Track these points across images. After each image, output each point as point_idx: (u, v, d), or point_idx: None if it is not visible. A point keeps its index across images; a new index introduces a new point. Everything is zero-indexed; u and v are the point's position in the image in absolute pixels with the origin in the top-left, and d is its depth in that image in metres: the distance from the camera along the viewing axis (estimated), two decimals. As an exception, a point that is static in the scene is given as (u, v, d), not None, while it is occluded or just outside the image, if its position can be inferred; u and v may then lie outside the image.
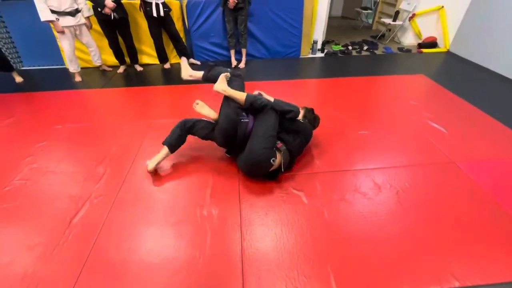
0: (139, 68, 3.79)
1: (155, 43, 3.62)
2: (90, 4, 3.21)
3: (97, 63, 3.67)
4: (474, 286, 1.21)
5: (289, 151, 1.73)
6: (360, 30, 5.83)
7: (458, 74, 3.47)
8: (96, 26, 3.42)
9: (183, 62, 1.95)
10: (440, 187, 1.73)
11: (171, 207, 1.63)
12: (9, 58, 3.57)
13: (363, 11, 5.91)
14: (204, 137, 1.86)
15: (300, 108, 1.92)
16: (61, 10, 3.00)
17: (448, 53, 4.25)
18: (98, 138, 2.30)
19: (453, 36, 4.24)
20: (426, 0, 4.29)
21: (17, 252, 1.38)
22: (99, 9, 3.12)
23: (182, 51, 3.81)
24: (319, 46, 4.33)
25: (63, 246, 1.41)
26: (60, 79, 3.55)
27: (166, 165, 1.95)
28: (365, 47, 4.53)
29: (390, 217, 1.54)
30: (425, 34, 4.54)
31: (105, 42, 3.55)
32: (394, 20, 4.67)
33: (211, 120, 1.84)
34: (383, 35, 5.07)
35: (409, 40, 4.70)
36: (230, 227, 1.49)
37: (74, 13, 3.10)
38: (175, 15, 3.67)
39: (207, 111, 1.83)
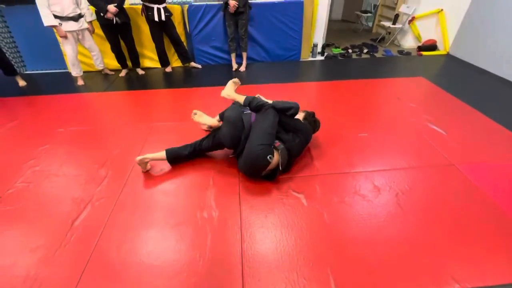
0: (140, 72, 3.83)
1: (156, 47, 3.66)
2: (92, 9, 3.26)
3: (99, 67, 3.71)
4: (473, 288, 1.21)
5: (288, 150, 1.74)
6: (360, 33, 5.86)
7: (458, 77, 3.48)
8: (99, 30, 3.47)
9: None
10: (440, 190, 1.73)
11: (172, 209, 1.64)
12: (12, 62, 3.61)
13: (363, 14, 5.94)
14: (212, 145, 1.91)
15: (300, 110, 1.94)
16: (64, 15, 3.04)
17: (448, 55, 4.26)
18: (100, 141, 2.32)
19: (453, 39, 4.25)
20: (425, 3, 4.32)
21: (19, 254, 1.40)
22: (101, 14, 3.16)
23: (183, 55, 3.85)
24: (319, 49, 4.35)
25: (65, 248, 1.42)
26: (62, 83, 3.59)
27: (167, 167, 1.96)
28: (365, 50, 4.55)
29: (389, 219, 1.54)
30: (425, 37, 4.57)
31: (107, 46, 3.59)
32: (394, 23, 4.70)
33: (212, 127, 1.86)
34: (383, 38, 5.10)
35: (409, 43, 4.72)
36: (230, 229, 1.50)
37: (77, 18, 3.14)
38: (176, 19, 3.71)
39: (205, 119, 1.85)
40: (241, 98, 1.85)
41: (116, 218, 1.59)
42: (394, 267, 1.29)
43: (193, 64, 3.99)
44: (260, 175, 1.77)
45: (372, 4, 5.97)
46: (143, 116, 2.71)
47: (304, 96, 3.06)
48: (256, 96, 1.92)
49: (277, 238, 1.45)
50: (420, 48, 4.46)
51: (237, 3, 3.32)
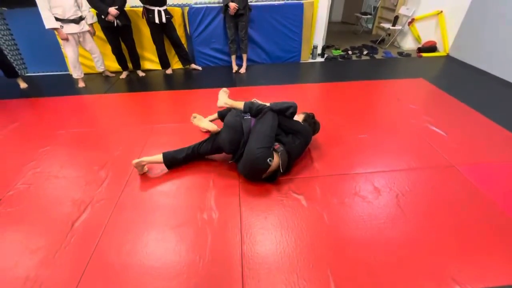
0: (141, 74, 3.85)
1: (157, 49, 3.67)
2: (94, 11, 3.28)
3: (100, 69, 3.73)
4: (474, 289, 1.20)
5: (288, 152, 1.75)
6: (360, 35, 5.88)
7: (458, 78, 3.49)
8: (100, 33, 3.49)
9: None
10: (440, 191, 1.73)
11: (172, 210, 1.65)
12: (14, 64, 3.63)
13: (363, 16, 5.96)
14: (212, 149, 1.91)
15: (299, 111, 1.94)
16: (65, 17, 3.06)
17: (448, 57, 4.27)
18: (100, 143, 2.33)
19: (453, 40, 4.26)
20: (425, 5, 4.33)
21: (19, 256, 1.40)
22: (102, 16, 3.18)
23: (184, 57, 3.86)
24: (319, 51, 4.37)
25: (65, 249, 1.42)
26: (63, 85, 3.60)
27: (166, 169, 1.96)
28: (365, 52, 4.56)
29: (389, 220, 1.54)
30: (425, 39, 4.57)
31: (108, 48, 3.61)
32: (394, 25, 4.71)
33: (211, 132, 1.86)
34: (382, 40, 5.11)
35: (408, 44, 4.73)
36: (230, 231, 1.50)
37: (78, 20, 3.16)
38: (177, 21, 3.73)
39: (205, 124, 1.84)
40: (239, 105, 1.85)
41: (116, 219, 1.59)
42: (394, 269, 1.29)
43: (193, 66, 4.01)
44: (261, 178, 1.78)
45: (372, 6, 5.99)
46: (144, 118, 2.72)
47: (304, 98, 3.06)
48: (253, 100, 1.94)
49: (277, 239, 1.45)
50: (420, 50, 4.47)
51: (237, 5, 3.34)
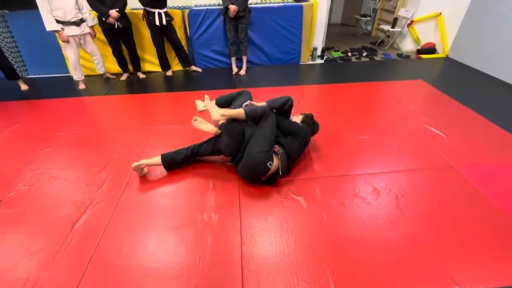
0: (141, 76, 3.86)
1: (157, 51, 3.69)
2: (94, 13, 3.30)
3: (101, 71, 3.74)
4: (473, 290, 1.21)
5: (287, 154, 1.75)
6: (360, 36, 5.90)
7: (457, 80, 3.50)
8: (100, 35, 3.51)
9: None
10: (439, 192, 1.73)
11: (172, 212, 1.65)
12: (15, 66, 3.64)
13: (362, 18, 5.99)
14: (212, 151, 1.91)
15: (298, 112, 1.95)
16: (66, 20, 3.08)
17: (447, 59, 4.28)
18: (100, 145, 2.33)
19: (452, 42, 4.28)
20: (424, 7, 4.35)
21: (20, 257, 1.40)
22: (103, 19, 3.19)
23: (184, 59, 3.88)
24: (318, 52, 4.38)
25: (65, 251, 1.43)
26: (64, 87, 3.62)
27: (166, 170, 1.97)
28: (365, 54, 4.57)
29: (389, 221, 1.54)
30: (424, 40, 4.59)
31: (108, 50, 3.62)
32: (393, 27, 4.73)
33: (212, 134, 1.86)
34: (382, 42, 5.13)
35: (408, 46, 4.75)
36: (230, 232, 1.50)
37: (78, 23, 3.17)
38: (177, 23, 3.75)
39: (206, 126, 1.84)
40: (240, 112, 1.76)
41: (117, 221, 1.60)
42: (394, 270, 1.29)
43: (193, 67, 4.02)
44: (260, 181, 1.78)
45: (371, 8, 6.02)
46: (144, 119, 2.73)
47: (304, 99, 3.07)
48: (247, 103, 1.93)
49: (276, 240, 1.45)
50: (419, 51, 4.48)
51: (237, 7, 3.36)
